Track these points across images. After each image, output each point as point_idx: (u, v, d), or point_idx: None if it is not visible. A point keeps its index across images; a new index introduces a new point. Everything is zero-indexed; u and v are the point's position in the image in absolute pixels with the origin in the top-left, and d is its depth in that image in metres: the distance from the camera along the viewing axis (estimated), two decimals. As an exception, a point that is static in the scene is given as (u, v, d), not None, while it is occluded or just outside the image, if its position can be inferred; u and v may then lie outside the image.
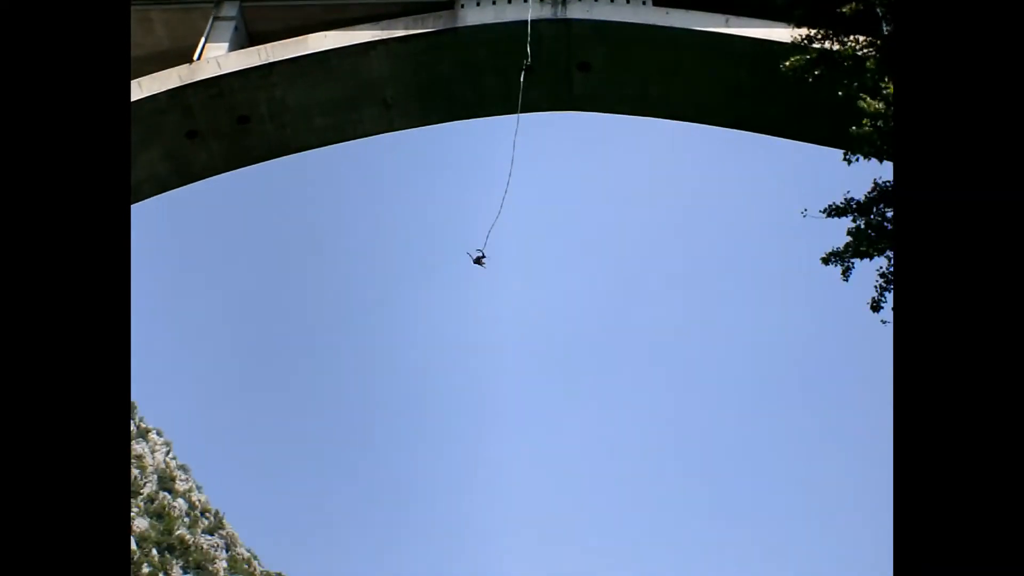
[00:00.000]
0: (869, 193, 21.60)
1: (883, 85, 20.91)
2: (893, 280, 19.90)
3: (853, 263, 20.91)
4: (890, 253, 20.49)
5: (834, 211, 21.80)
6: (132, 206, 31.22)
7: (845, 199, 21.69)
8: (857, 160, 21.34)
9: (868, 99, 20.95)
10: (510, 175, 31.86)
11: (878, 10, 23.51)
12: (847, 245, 20.90)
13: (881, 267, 20.79)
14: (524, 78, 30.54)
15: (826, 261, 21.26)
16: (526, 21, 30.88)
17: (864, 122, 20.37)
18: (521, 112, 31.30)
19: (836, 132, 23.80)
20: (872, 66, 21.93)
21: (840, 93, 21.98)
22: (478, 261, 29.20)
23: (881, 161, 20.91)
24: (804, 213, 22.51)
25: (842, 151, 21.75)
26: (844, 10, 22.37)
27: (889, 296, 20.61)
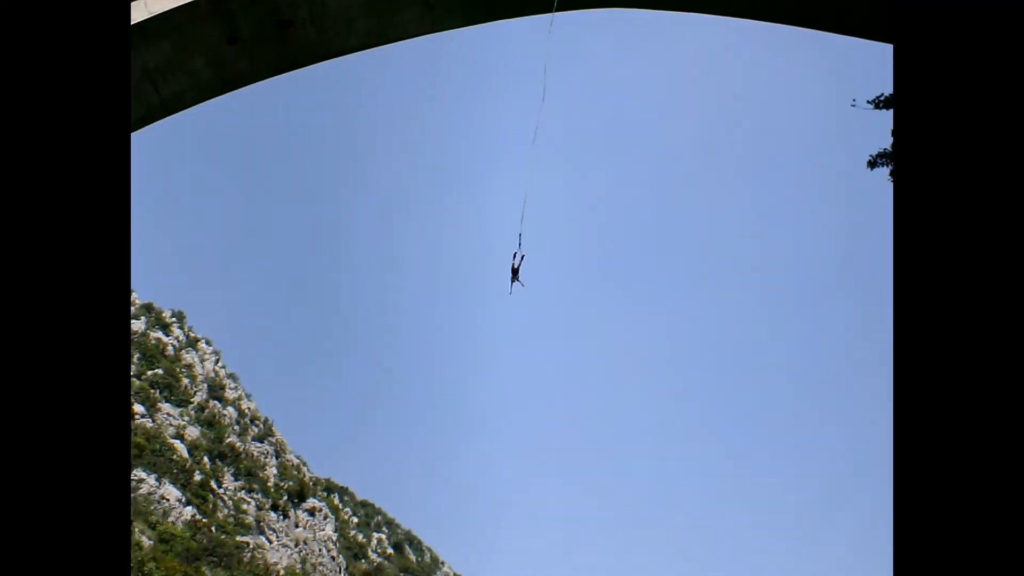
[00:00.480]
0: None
1: None
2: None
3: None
4: None
5: (883, 103, 20.71)
6: (177, 114, 30.87)
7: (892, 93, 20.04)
8: None
9: None
10: (544, 73, 31.05)
11: None
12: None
13: None
14: None
15: (872, 164, 20.47)
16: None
17: None
18: (559, 10, 30.31)
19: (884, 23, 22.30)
20: None
21: None
22: (515, 272, 28.84)
23: None
24: (853, 103, 21.35)
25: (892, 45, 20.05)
26: None
27: None
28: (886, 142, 20.04)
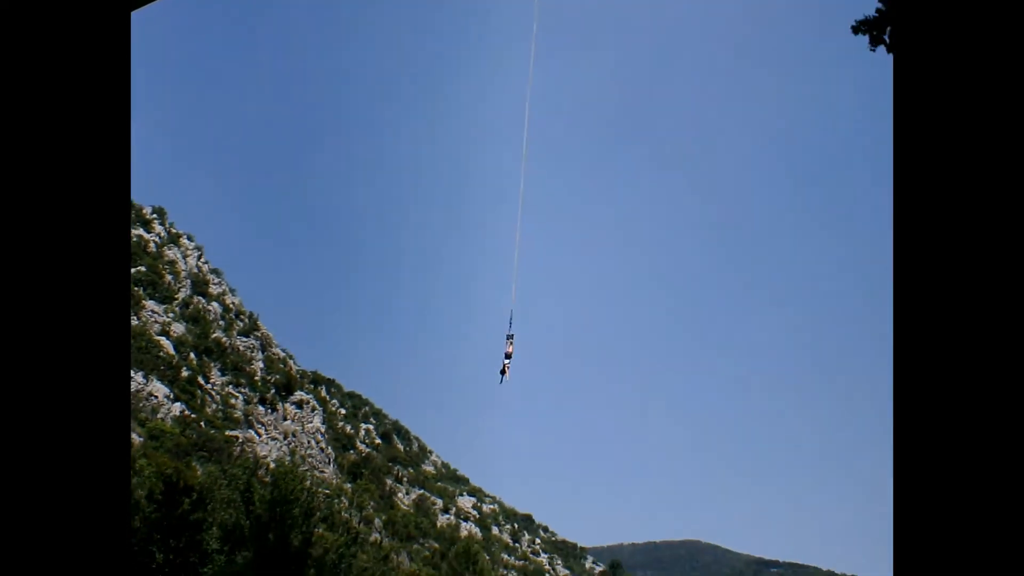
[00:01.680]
0: None
1: None
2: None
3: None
4: None
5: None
6: (154, 3, 29.82)
7: None
8: None
9: None
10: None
11: None
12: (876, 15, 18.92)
13: None
14: None
15: (856, 30, 19.25)
16: None
17: None
18: None
19: None
20: None
21: None
22: (503, 371, 28.85)
23: None
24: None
25: None
26: None
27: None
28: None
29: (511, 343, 29.12)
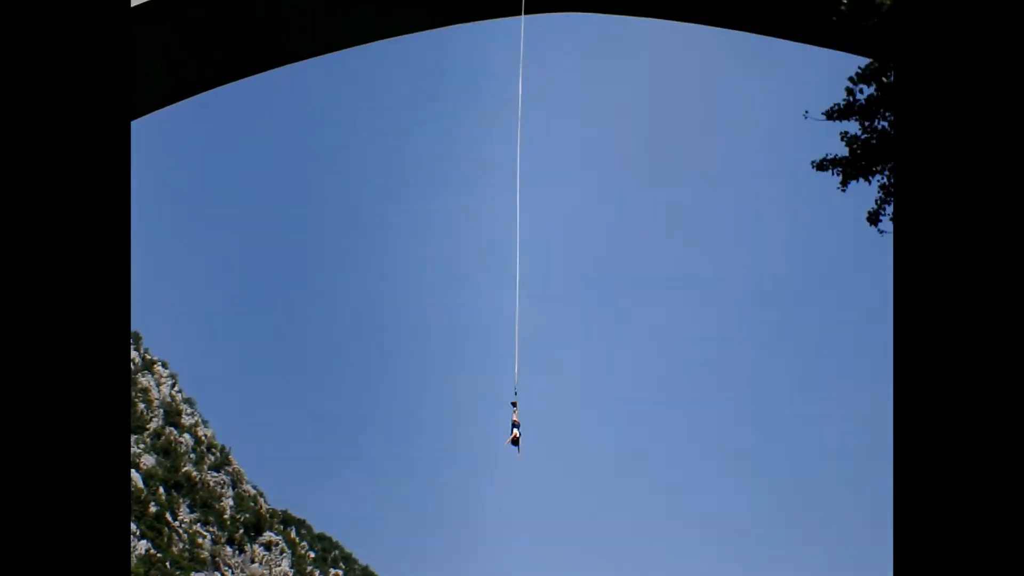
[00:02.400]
0: (873, 94, 20.08)
1: None
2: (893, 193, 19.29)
3: (851, 172, 20.03)
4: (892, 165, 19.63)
5: (836, 113, 20.40)
6: (133, 122, 28.43)
7: (845, 100, 20.23)
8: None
9: None
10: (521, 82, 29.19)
11: None
12: (847, 156, 20.15)
13: (883, 179, 20.03)
14: None
15: (821, 167, 20.41)
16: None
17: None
18: (525, 14, 28.44)
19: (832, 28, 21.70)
20: None
21: None
22: (515, 442, 27.40)
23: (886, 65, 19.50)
24: (806, 115, 21.40)
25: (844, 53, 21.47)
26: None
27: (889, 209, 19.90)
28: (836, 149, 20.66)
29: (516, 412, 27.25)
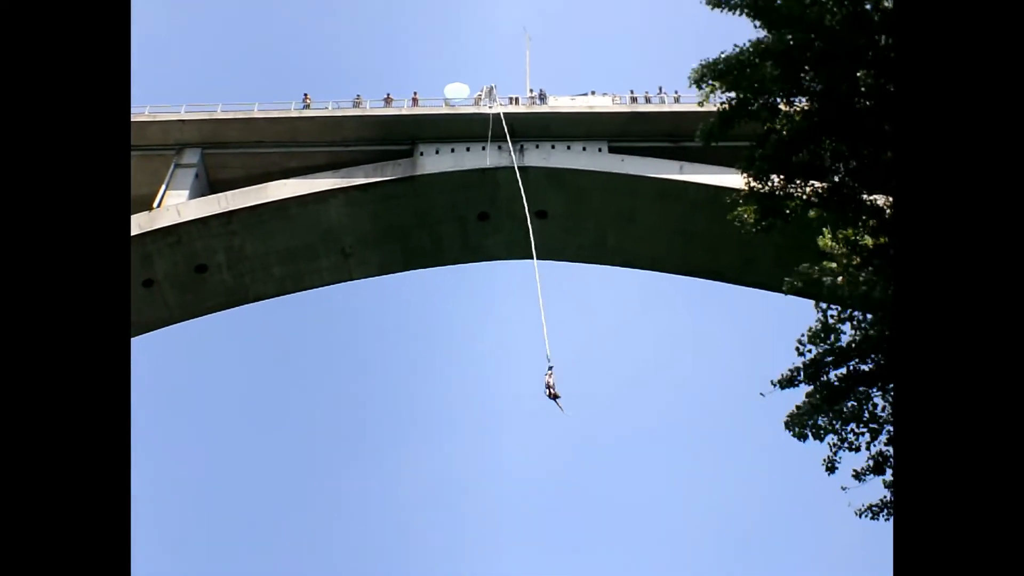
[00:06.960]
0: (819, 355, 20.65)
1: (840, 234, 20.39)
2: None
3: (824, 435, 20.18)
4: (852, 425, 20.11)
5: (786, 383, 20.98)
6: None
7: (791, 370, 20.81)
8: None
9: (828, 237, 20.46)
10: (543, 321, 29.92)
11: (826, 159, 21.46)
12: (815, 416, 20.26)
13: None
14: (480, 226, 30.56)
15: (789, 426, 20.59)
16: (483, 169, 31.04)
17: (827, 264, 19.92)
18: (479, 260, 31.49)
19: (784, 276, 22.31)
20: (818, 215, 21.22)
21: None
22: (554, 397, 28.74)
23: (845, 310, 20.27)
24: (762, 395, 21.52)
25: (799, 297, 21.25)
26: (794, 159, 20.94)
27: (843, 455, 20.24)
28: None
29: (551, 374, 28.69)
